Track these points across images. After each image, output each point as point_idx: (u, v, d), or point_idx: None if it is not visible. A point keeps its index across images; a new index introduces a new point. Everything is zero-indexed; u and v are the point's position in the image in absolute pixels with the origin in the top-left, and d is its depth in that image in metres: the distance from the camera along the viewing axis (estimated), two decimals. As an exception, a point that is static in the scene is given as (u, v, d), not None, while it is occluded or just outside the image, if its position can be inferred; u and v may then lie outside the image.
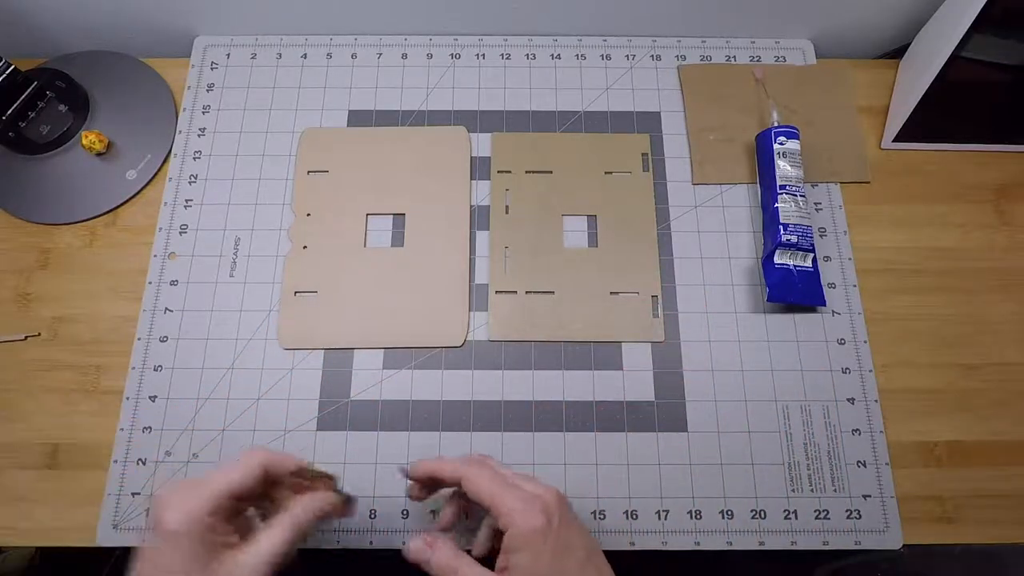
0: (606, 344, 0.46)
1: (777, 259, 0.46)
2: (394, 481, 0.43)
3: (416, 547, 0.33)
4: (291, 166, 0.51)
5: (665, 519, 0.42)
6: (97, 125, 0.51)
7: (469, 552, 0.34)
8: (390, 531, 0.42)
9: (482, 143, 0.52)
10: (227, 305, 0.47)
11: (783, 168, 0.47)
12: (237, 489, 0.31)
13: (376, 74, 0.54)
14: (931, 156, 0.52)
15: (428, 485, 0.37)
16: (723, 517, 0.43)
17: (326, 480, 0.35)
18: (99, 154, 0.51)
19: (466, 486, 0.33)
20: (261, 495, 0.34)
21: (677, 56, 0.55)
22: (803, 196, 0.47)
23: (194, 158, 0.52)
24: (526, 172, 0.51)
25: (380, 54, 0.55)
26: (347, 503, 0.36)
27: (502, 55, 0.55)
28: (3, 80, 0.48)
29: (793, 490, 0.43)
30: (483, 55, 0.55)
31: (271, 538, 0.31)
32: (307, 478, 0.35)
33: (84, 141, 0.50)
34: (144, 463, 0.44)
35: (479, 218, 0.50)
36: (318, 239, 0.49)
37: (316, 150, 0.52)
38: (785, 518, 0.42)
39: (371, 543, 0.42)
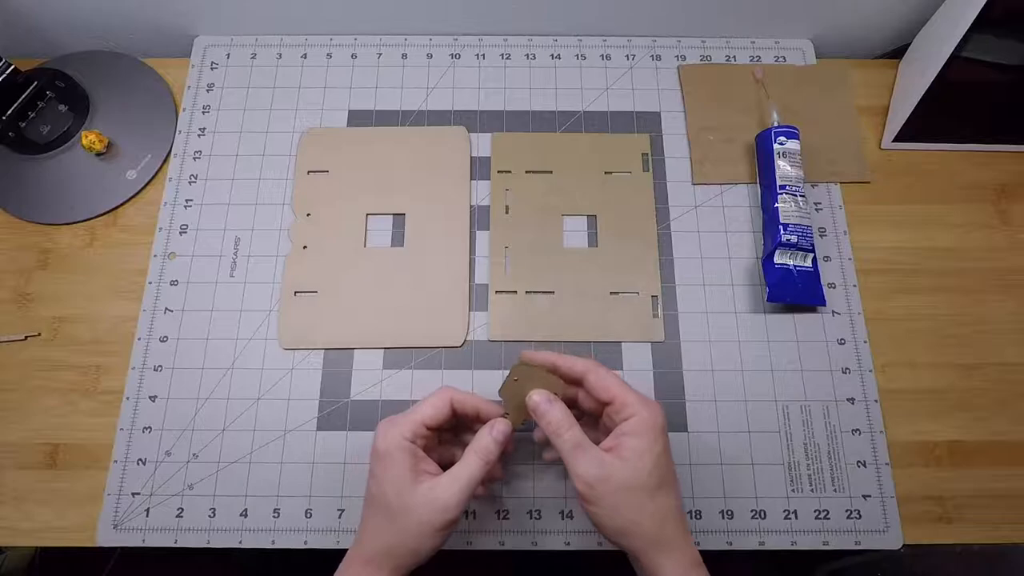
0: (606, 344, 0.46)
1: (777, 259, 0.46)
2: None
3: (539, 398, 0.36)
4: (291, 166, 0.51)
5: (665, 519, 0.42)
6: (97, 125, 0.51)
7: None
8: (390, 531, 0.42)
9: (482, 143, 0.52)
10: (227, 305, 0.47)
11: (783, 168, 0.47)
12: (430, 420, 0.36)
13: (376, 74, 0.54)
14: (931, 156, 0.52)
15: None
16: (723, 517, 0.43)
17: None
18: (99, 154, 0.51)
19: (593, 378, 0.36)
20: (457, 430, 0.40)
21: (677, 56, 0.55)
22: (803, 196, 0.47)
23: (194, 158, 0.52)
24: (526, 172, 0.51)
25: (380, 54, 0.55)
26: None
27: (502, 55, 0.55)
28: (3, 80, 0.48)
29: (793, 490, 0.43)
30: (483, 55, 0.55)
31: (461, 466, 0.35)
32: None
33: (84, 141, 0.50)
34: (144, 463, 0.44)
35: (479, 218, 0.50)
36: (318, 239, 0.49)
37: (316, 150, 0.52)
38: (785, 518, 0.42)
39: (371, 543, 0.42)
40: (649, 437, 0.34)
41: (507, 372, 0.38)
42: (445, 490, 0.34)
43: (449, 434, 0.40)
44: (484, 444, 0.36)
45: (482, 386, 0.45)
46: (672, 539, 0.34)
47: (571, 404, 0.38)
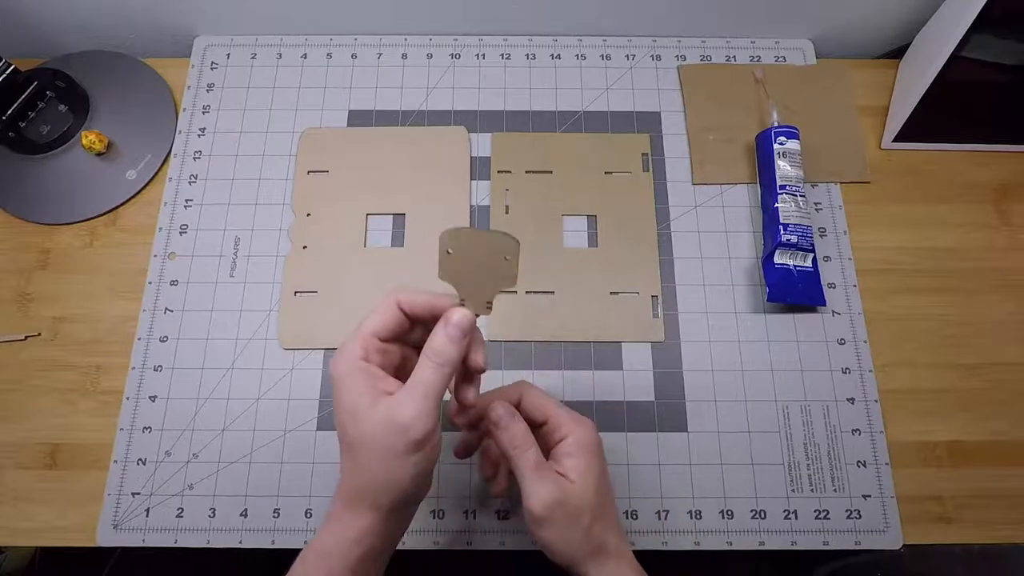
0: (606, 344, 0.46)
1: (777, 259, 0.46)
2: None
3: (503, 411, 0.33)
4: (291, 166, 0.51)
5: (665, 519, 0.42)
6: (97, 125, 0.51)
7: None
8: (390, 531, 0.42)
9: (482, 143, 0.52)
10: (227, 305, 0.47)
11: (783, 168, 0.47)
12: (380, 329, 0.31)
13: (376, 74, 0.54)
14: (931, 156, 0.52)
15: (472, 424, 0.36)
16: (723, 517, 0.43)
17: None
18: (99, 154, 0.51)
19: (527, 398, 0.35)
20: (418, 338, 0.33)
21: (677, 56, 0.55)
22: (803, 196, 0.47)
23: (194, 158, 0.52)
24: (526, 172, 0.51)
25: (380, 54, 0.55)
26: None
27: (502, 55, 0.55)
28: (3, 80, 0.48)
29: (793, 490, 0.43)
30: (483, 55, 0.55)
31: (415, 374, 0.30)
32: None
33: (84, 141, 0.50)
34: (144, 463, 0.44)
35: (479, 218, 0.50)
36: (318, 239, 0.49)
37: (316, 150, 0.52)
38: (785, 518, 0.42)
39: (371, 543, 0.42)
40: (587, 455, 0.33)
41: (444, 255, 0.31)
42: (402, 406, 0.29)
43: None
44: (436, 345, 0.30)
45: (482, 386, 0.45)
46: (609, 550, 0.34)
47: None
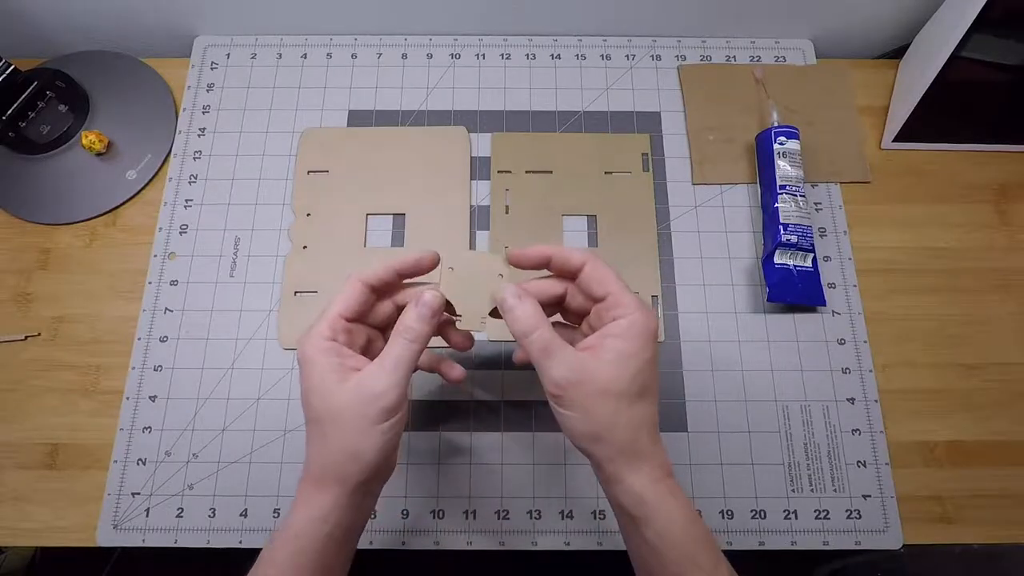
0: (606, 344, 0.46)
1: (777, 259, 0.46)
2: (393, 482, 0.43)
3: (507, 293, 0.32)
4: (291, 166, 0.51)
5: (665, 519, 0.42)
6: (97, 125, 0.51)
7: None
8: (390, 531, 0.42)
9: (482, 143, 0.52)
10: (227, 305, 0.47)
11: (783, 168, 0.47)
12: (345, 310, 0.33)
13: (376, 74, 0.54)
14: (931, 156, 0.52)
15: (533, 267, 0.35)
16: (723, 517, 0.43)
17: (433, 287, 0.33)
18: (99, 154, 0.51)
19: (590, 269, 0.33)
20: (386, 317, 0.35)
21: (677, 56, 0.55)
22: (803, 196, 0.47)
23: (194, 158, 0.52)
24: (526, 172, 0.51)
25: (380, 54, 0.55)
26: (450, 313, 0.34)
27: (502, 55, 0.55)
28: (3, 80, 0.48)
29: (793, 490, 0.43)
30: (483, 55, 0.55)
31: (386, 349, 0.32)
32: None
33: (84, 141, 0.50)
34: (144, 463, 0.44)
35: (479, 218, 0.50)
36: (318, 239, 0.49)
37: (316, 150, 0.52)
38: (785, 518, 0.42)
39: (371, 543, 0.42)
40: (638, 342, 0.31)
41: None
42: (373, 377, 0.30)
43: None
44: (407, 322, 0.32)
45: (483, 386, 0.45)
46: (643, 450, 0.31)
47: (558, 303, 0.35)
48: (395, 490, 0.43)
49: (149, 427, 0.44)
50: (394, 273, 0.34)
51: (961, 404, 0.46)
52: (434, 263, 0.34)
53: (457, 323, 0.34)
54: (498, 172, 0.51)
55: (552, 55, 0.55)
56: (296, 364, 0.45)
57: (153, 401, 0.45)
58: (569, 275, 0.34)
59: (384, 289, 0.34)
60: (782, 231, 0.46)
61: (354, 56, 0.55)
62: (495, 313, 0.34)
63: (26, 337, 0.47)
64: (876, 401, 0.45)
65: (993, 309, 0.48)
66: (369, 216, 0.50)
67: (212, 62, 0.55)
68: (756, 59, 0.55)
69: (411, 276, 0.35)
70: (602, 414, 0.31)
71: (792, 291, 0.46)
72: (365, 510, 0.33)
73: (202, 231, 0.49)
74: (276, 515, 0.43)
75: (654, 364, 0.32)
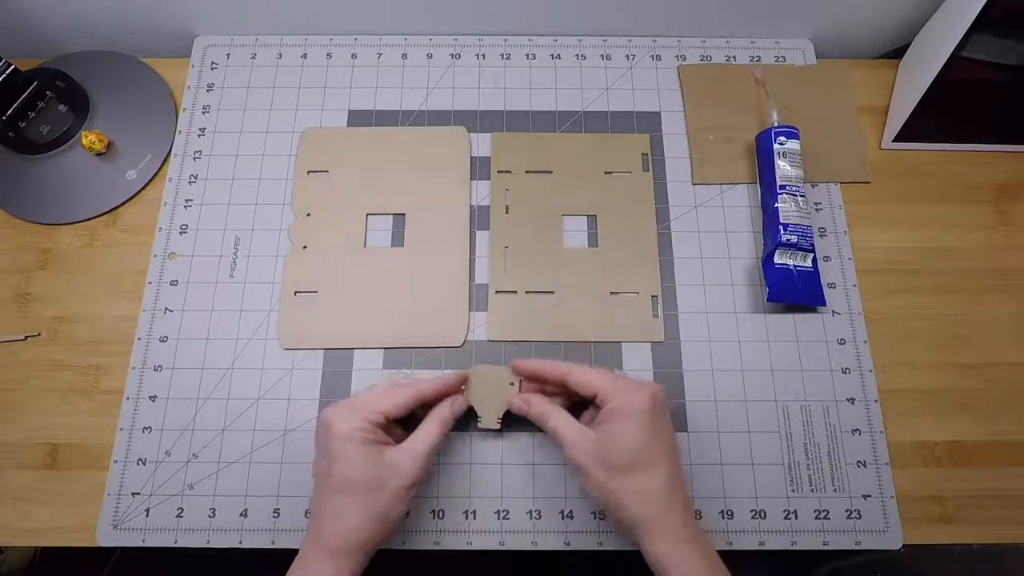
0: (606, 344, 0.46)
1: (777, 259, 0.46)
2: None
3: (517, 405, 0.41)
4: (291, 166, 0.51)
5: (665, 519, 0.42)
6: (97, 125, 0.51)
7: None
8: (390, 531, 0.42)
9: (482, 143, 0.52)
10: (227, 305, 0.47)
11: (783, 168, 0.47)
12: (390, 413, 0.38)
13: (376, 74, 0.54)
14: (931, 156, 0.52)
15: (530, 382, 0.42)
16: (723, 517, 0.42)
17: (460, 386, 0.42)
18: (99, 154, 0.51)
19: (573, 380, 0.39)
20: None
21: (677, 56, 0.55)
22: (803, 196, 0.46)
23: (194, 158, 0.52)
24: (526, 172, 0.51)
25: (380, 54, 0.55)
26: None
27: (502, 55, 0.55)
28: (3, 80, 0.48)
29: (793, 490, 0.43)
30: (483, 55, 0.55)
31: (426, 434, 0.38)
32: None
33: (84, 141, 0.50)
34: (144, 463, 0.44)
35: (479, 218, 0.50)
36: (318, 239, 0.49)
37: (316, 150, 0.52)
38: (785, 518, 0.42)
39: (371, 543, 0.42)
40: (624, 419, 0.36)
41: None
42: (409, 454, 0.37)
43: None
44: (445, 415, 0.39)
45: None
46: (653, 521, 0.35)
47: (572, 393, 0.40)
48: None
49: (149, 427, 0.44)
50: (445, 392, 0.41)
51: (961, 404, 0.46)
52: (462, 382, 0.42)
53: (478, 423, 0.42)
54: (498, 172, 0.51)
55: (552, 55, 0.55)
56: (295, 364, 0.46)
57: (153, 401, 0.45)
58: (560, 384, 0.40)
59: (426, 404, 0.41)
60: (782, 231, 0.46)
61: (354, 56, 0.55)
62: (507, 415, 0.42)
63: (26, 337, 0.47)
64: (876, 401, 0.45)
65: (993, 309, 0.48)
66: (369, 216, 0.50)
67: (212, 62, 0.55)
68: (756, 59, 0.55)
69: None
70: (604, 489, 0.36)
71: (792, 291, 0.46)
72: None
73: (202, 231, 0.49)
74: (276, 515, 0.43)
75: (651, 436, 0.36)
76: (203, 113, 0.53)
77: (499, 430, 0.43)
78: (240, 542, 0.42)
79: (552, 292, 0.47)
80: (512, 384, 0.42)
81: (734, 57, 0.55)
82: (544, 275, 0.48)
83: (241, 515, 0.43)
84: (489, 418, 0.42)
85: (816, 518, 0.42)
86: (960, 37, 0.45)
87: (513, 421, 0.44)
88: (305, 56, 0.55)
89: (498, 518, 0.42)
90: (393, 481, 0.36)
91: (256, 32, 0.56)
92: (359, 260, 0.48)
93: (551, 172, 0.51)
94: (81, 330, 0.47)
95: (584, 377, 0.38)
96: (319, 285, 0.48)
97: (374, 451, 0.36)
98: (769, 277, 0.46)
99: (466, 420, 0.44)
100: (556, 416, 0.39)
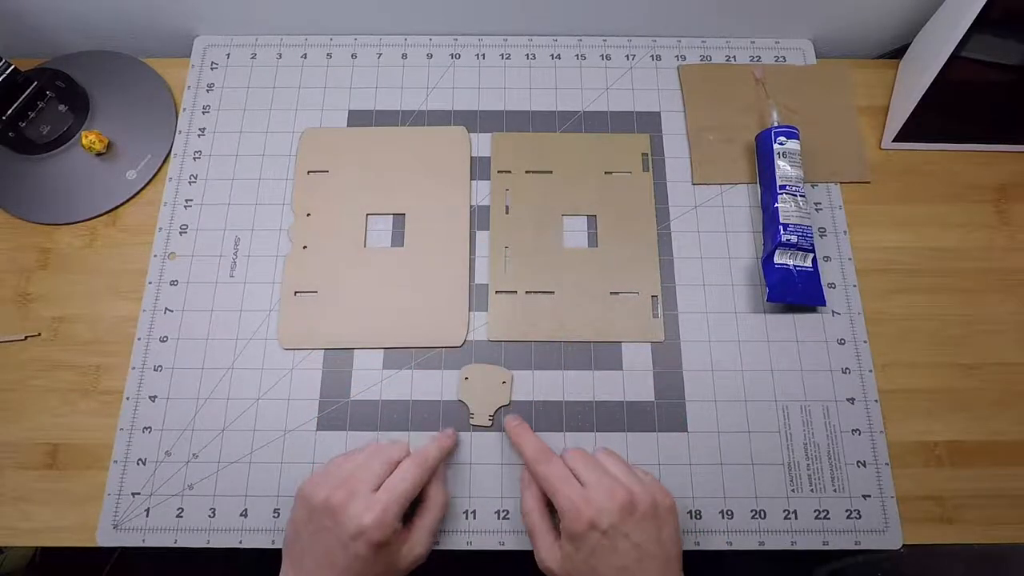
0: (606, 344, 0.46)
1: (777, 259, 0.46)
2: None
3: (509, 429, 0.42)
4: (291, 166, 0.51)
5: (665, 519, 0.42)
6: (97, 125, 0.51)
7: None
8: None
9: (482, 143, 0.52)
10: (227, 305, 0.47)
11: (783, 168, 0.47)
12: (414, 494, 0.38)
13: (376, 74, 0.54)
14: (931, 156, 0.52)
15: None
16: (723, 517, 0.43)
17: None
18: (99, 154, 0.51)
19: (534, 476, 0.39)
20: None
21: (677, 56, 0.55)
22: (803, 196, 0.46)
23: (194, 158, 0.52)
24: (526, 172, 0.51)
25: (380, 54, 0.55)
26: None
27: (502, 55, 0.55)
28: (3, 80, 0.48)
29: (793, 490, 0.43)
30: (483, 55, 0.55)
31: (426, 515, 0.39)
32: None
33: (84, 141, 0.50)
34: (144, 463, 0.44)
35: (479, 218, 0.50)
36: (318, 239, 0.49)
37: (316, 150, 0.52)
38: (785, 518, 0.42)
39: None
40: (571, 542, 0.35)
41: (462, 373, 0.45)
42: (419, 546, 0.38)
43: None
44: (443, 500, 0.40)
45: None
46: None
47: None
48: (395, 490, 0.43)
49: (149, 427, 0.44)
50: (448, 452, 0.42)
51: (961, 404, 0.46)
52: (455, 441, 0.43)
53: (470, 420, 0.43)
54: (498, 172, 0.51)
55: (552, 55, 0.55)
56: (295, 364, 0.46)
57: (153, 401, 0.45)
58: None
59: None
60: (782, 231, 0.46)
61: (354, 56, 0.55)
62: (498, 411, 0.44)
63: (26, 337, 0.47)
64: (876, 401, 0.45)
65: (993, 309, 0.48)
66: (369, 216, 0.50)
67: (212, 62, 0.55)
68: (756, 59, 0.55)
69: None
70: None
71: (792, 291, 0.46)
72: None
73: (202, 231, 0.49)
74: (276, 515, 0.43)
75: (595, 556, 0.35)
76: (203, 113, 0.53)
77: (490, 426, 0.44)
78: (240, 542, 0.42)
79: (552, 292, 0.47)
80: (504, 383, 0.44)
81: (734, 57, 0.55)
82: (544, 275, 0.48)
83: (241, 515, 0.43)
84: (481, 416, 0.44)
85: (816, 518, 0.42)
86: (960, 37, 0.45)
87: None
88: (305, 56, 0.55)
89: (498, 518, 0.43)
90: (402, 567, 0.37)
91: (256, 32, 0.56)
92: (359, 260, 0.48)
93: (551, 172, 0.51)
94: (81, 330, 0.47)
95: (542, 479, 0.38)
96: (319, 285, 0.48)
97: (392, 551, 0.36)
98: (769, 277, 0.46)
99: (464, 422, 0.44)
100: (531, 513, 0.39)
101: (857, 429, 0.44)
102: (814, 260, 0.46)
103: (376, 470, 0.37)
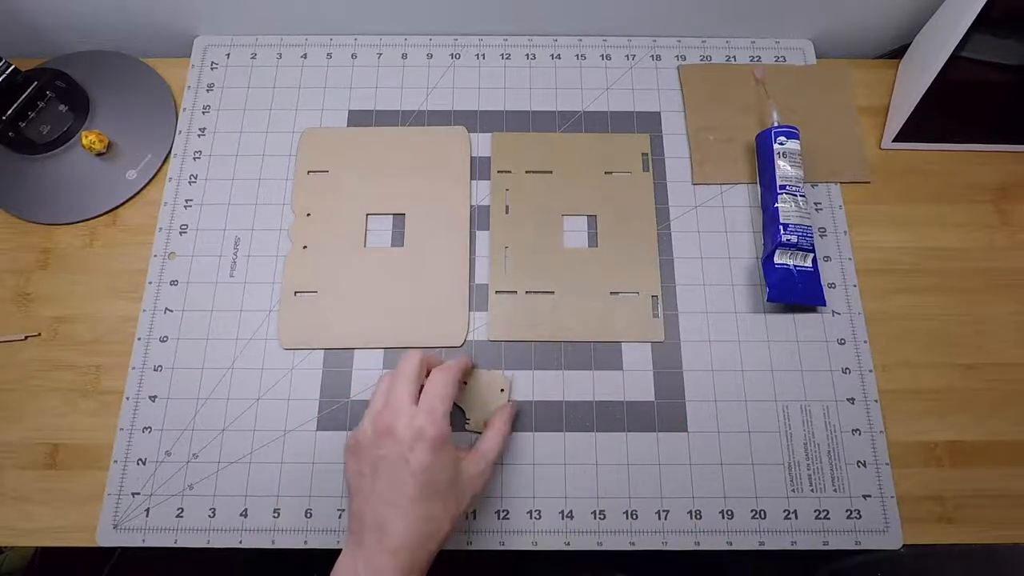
0: (606, 344, 0.46)
1: (777, 259, 0.46)
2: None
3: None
4: (291, 166, 0.51)
5: (665, 519, 0.42)
6: (97, 125, 0.51)
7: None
8: (390, 531, 0.42)
9: (482, 143, 0.52)
10: (227, 305, 0.47)
11: (783, 168, 0.47)
12: (455, 395, 0.39)
13: (376, 74, 0.54)
14: (931, 156, 0.52)
15: None
16: (723, 517, 0.43)
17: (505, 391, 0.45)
18: (99, 154, 0.51)
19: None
20: None
21: (677, 56, 0.55)
22: (803, 196, 0.46)
23: (194, 158, 0.52)
24: (526, 172, 0.51)
25: (380, 54, 0.55)
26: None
27: (502, 55, 0.55)
28: (3, 80, 0.48)
29: (793, 490, 0.43)
30: (483, 55, 0.55)
31: (493, 444, 0.40)
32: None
33: (84, 141, 0.50)
34: (144, 463, 0.44)
35: (479, 218, 0.50)
36: (318, 239, 0.49)
37: (316, 150, 0.52)
38: (785, 518, 0.42)
39: (371, 543, 0.42)
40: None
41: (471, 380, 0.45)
42: (479, 465, 0.38)
43: None
44: (506, 430, 0.41)
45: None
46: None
47: None
48: (395, 490, 0.43)
49: (149, 427, 0.44)
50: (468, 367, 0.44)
51: (961, 404, 0.46)
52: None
53: (466, 425, 0.44)
54: (498, 172, 0.51)
55: (552, 55, 0.55)
56: (295, 364, 0.46)
57: (153, 401, 0.45)
58: None
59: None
60: (782, 231, 0.46)
61: (354, 56, 0.55)
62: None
63: (26, 337, 0.47)
64: (876, 401, 0.45)
65: (993, 309, 0.48)
66: (369, 216, 0.50)
67: (212, 62, 0.55)
68: (756, 59, 0.55)
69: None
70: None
71: (792, 291, 0.46)
72: None
73: (202, 231, 0.49)
74: (276, 515, 0.43)
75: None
76: (203, 113, 0.53)
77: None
78: (240, 542, 0.42)
79: (552, 292, 0.47)
80: (503, 390, 0.44)
81: (734, 57, 0.55)
82: (544, 275, 0.48)
83: (241, 515, 0.43)
84: (477, 420, 0.44)
85: (816, 518, 0.42)
86: (960, 37, 0.45)
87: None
88: (305, 56, 0.55)
89: (498, 518, 0.43)
90: (468, 491, 0.37)
91: (256, 32, 0.56)
92: (359, 260, 0.48)
93: (551, 172, 0.51)
94: (81, 330, 0.47)
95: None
96: (319, 285, 0.48)
97: (455, 457, 0.37)
98: (769, 277, 0.46)
99: (462, 422, 0.44)
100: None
101: (857, 429, 0.44)
102: (814, 260, 0.46)
103: (406, 389, 0.37)
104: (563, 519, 0.42)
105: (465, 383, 0.44)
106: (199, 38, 0.56)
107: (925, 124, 0.50)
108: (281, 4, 0.53)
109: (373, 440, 0.36)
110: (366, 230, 0.49)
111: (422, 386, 0.38)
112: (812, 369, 0.46)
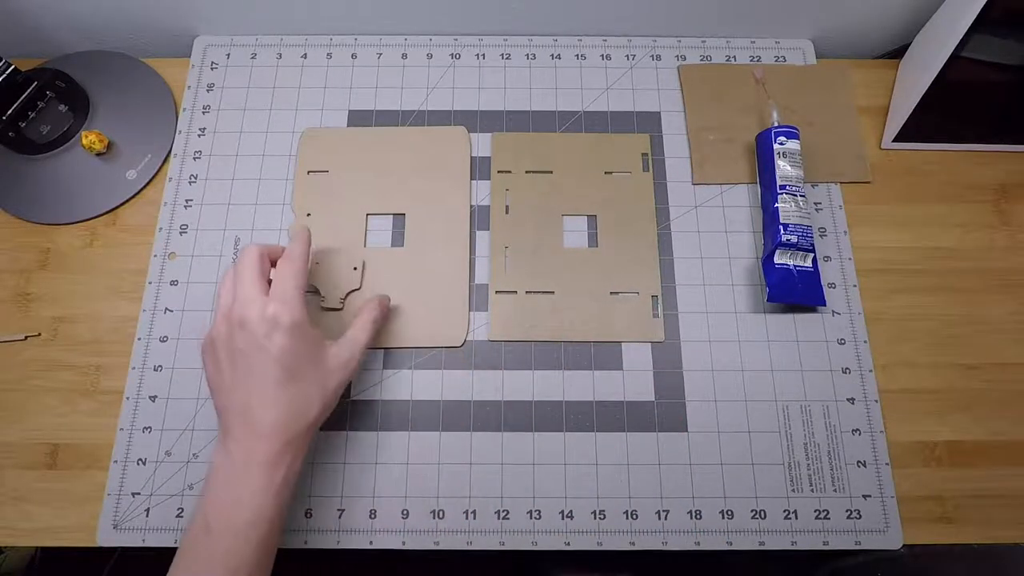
0: (606, 344, 0.46)
1: (777, 259, 0.46)
2: (393, 482, 0.43)
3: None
4: (291, 166, 0.51)
5: (665, 519, 0.42)
6: (97, 125, 0.51)
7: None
8: (390, 531, 0.42)
9: (482, 143, 0.52)
10: (227, 305, 0.47)
11: (783, 168, 0.47)
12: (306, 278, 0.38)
13: (376, 74, 0.54)
14: (931, 156, 0.52)
15: None
16: (723, 517, 0.43)
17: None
18: (99, 154, 0.51)
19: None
20: None
21: (677, 56, 0.55)
22: (803, 196, 0.46)
23: (194, 158, 0.52)
24: (526, 172, 0.51)
25: (380, 54, 0.55)
26: None
27: (502, 55, 0.55)
28: (3, 80, 0.48)
29: (793, 490, 0.43)
30: (483, 55, 0.55)
31: (360, 332, 0.40)
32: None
33: (84, 141, 0.50)
34: (144, 463, 0.44)
35: (479, 218, 0.50)
36: (318, 239, 0.49)
37: (316, 150, 0.52)
38: (785, 518, 0.42)
39: (371, 543, 0.42)
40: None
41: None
42: (347, 351, 0.39)
43: None
44: (377, 317, 0.42)
45: (482, 386, 0.45)
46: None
47: None
48: (395, 490, 0.43)
49: (149, 427, 0.44)
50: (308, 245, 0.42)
51: (961, 404, 0.46)
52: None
53: (320, 304, 0.45)
54: (498, 172, 0.51)
55: (552, 55, 0.55)
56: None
57: (153, 401, 0.45)
58: None
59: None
60: (782, 231, 0.46)
61: (354, 56, 0.55)
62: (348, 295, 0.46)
63: (26, 337, 0.47)
64: (876, 401, 0.45)
65: (993, 309, 0.48)
66: (369, 216, 0.50)
67: (212, 62, 0.55)
68: (756, 59, 0.55)
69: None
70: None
71: (792, 291, 0.46)
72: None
73: (202, 231, 0.49)
74: (276, 515, 0.42)
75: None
76: (203, 113, 0.53)
77: (341, 309, 0.46)
78: (240, 542, 0.42)
79: (552, 292, 0.47)
80: (356, 269, 0.46)
81: (734, 57, 0.55)
82: (544, 275, 0.48)
83: (241, 515, 0.43)
84: (333, 298, 0.45)
85: (816, 518, 0.42)
86: (960, 37, 0.45)
87: (512, 423, 0.44)
88: (305, 56, 0.55)
89: (498, 518, 0.43)
90: (339, 378, 0.38)
91: (256, 32, 0.56)
92: (359, 260, 0.48)
93: (551, 172, 0.51)
94: (81, 330, 0.47)
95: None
96: (319, 285, 0.48)
97: (321, 343, 0.37)
98: (769, 277, 0.46)
99: (466, 421, 0.45)
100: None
101: (857, 429, 0.44)
102: (814, 260, 0.46)
103: (252, 281, 0.36)
104: (563, 519, 0.42)
105: (318, 263, 0.46)
106: (199, 38, 0.56)
107: (925, 124, 0.50)
108: (281, 4, 0.53)
109: (228, 335, 0.36)
110: (366, 230, 0.49)
111: (270, 281, 0.38)
112: (812, 369, 0.46)
